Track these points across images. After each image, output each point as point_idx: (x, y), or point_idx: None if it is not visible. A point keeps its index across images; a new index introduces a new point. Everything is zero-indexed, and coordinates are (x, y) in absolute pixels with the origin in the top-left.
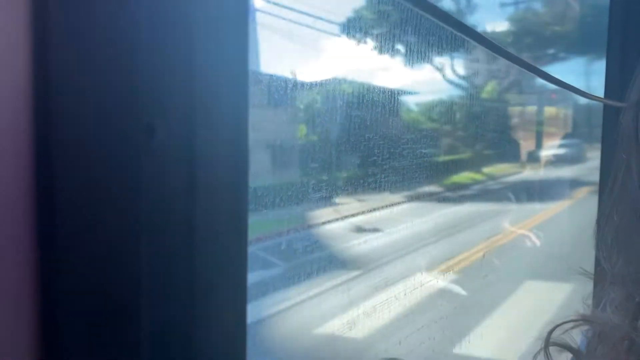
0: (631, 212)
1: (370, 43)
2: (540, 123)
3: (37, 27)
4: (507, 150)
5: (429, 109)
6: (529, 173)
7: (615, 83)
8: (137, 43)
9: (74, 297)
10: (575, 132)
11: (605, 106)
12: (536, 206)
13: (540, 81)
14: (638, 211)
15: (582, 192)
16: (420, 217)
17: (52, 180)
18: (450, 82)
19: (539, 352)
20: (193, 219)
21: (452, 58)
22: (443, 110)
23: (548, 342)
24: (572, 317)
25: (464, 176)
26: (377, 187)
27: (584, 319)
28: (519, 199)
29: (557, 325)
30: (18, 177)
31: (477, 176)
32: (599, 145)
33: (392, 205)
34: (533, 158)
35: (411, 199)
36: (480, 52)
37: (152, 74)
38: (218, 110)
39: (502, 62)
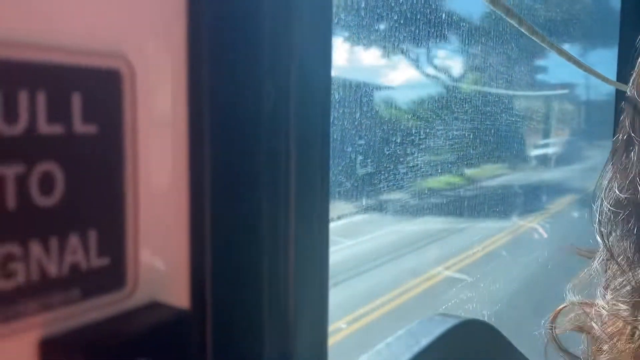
0: (630, 185)
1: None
2: (532, 119)
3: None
4: (494, 149)
5: (402, 103)
6: (511, 176)
7: (628, 65)
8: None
9: (215, 248)
10: (570, 130)
11: (618, 90)
12: (502, 223)
13: (533, 75)
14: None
15: (564, 202)
16: (354, 237)
17: (198, 147)
18: (424, 73)
19: (548, 342)
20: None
21: (424, 47)
22: (417, 105)
23: (553, 327)
24: (572, 302)
25: (439, 181)
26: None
27: (584, 304)
28: (486, 211)
29: (560, 310)
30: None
31: (456, 180)
32: (597, 143)
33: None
34: (522, 157)
35: (363, 210)
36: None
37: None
38: (308, 79)
39: (489, 52)
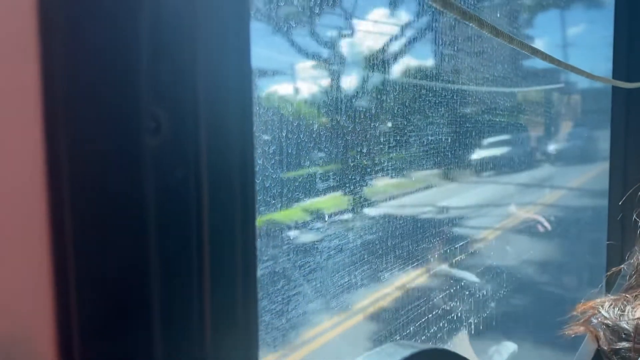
0: None
1: None
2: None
3: (42, 22)
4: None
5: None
6: (414, 197)
7: (623, 63)
8: (140, 39)
9: (85, 294)
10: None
11: (614, 88)
12: None
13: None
14: None
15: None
16: None
17: (60, 178)
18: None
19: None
20: (201, 215)
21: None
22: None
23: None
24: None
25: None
26: None
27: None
28: None
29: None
30: (25, 174)
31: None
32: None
33: None
34: (448, 164)
35: None
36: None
37: (157, 69)
38: (223, 106)
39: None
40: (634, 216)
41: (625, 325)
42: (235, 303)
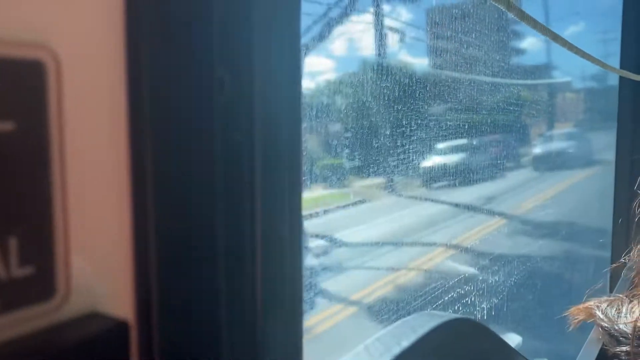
0: None
1: None
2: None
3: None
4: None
5: None
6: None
7: (631, 55)
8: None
9: (160, 235)
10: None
11: (622, 78)
12: None
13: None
14: None
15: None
16: None
17: (143, 127)
18: None
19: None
20: (254, 162)
21: None
22: None
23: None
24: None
25: None
26: None
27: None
28: None
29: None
30: (110, 125)
31: None
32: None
33: None
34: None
35: None
36: None
37: (224, 41)
38: (274, 66)
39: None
40: (636, 206)
41: (623, 328)
42: (283, 254)
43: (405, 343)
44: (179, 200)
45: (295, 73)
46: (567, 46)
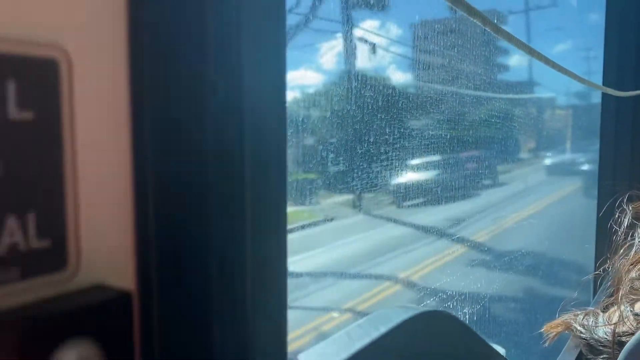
0: None
1: None
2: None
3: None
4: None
5: None
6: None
7: (613, 72)
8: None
9: (160, 230)
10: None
11: (604, 95)
12: None
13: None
14: None
15: None
16: None
17: (142, 131)
18: None
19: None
20: (243, 160)
21: None
22: None
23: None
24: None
25: None
26: None
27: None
28: None
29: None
30: (114, 125)
31: None
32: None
33: None
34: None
35: None
36: None
37: (218, 52)
38: (262, 72)
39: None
40: (611, 222)
41: (602, 335)
42: (269, 245)
43: (382, 330)
44: (177, 186)
45: (280, 78)
46: (544, 60)
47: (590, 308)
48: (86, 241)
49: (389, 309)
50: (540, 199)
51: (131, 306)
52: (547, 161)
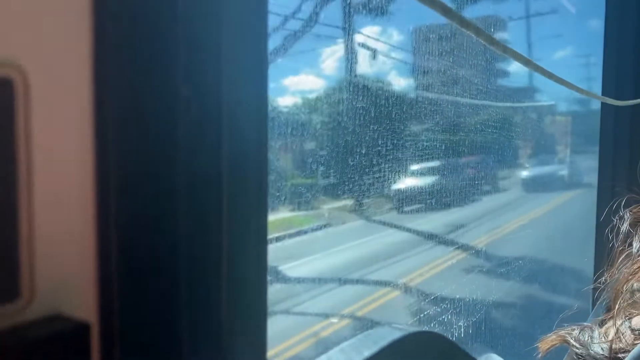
0: None
1: None
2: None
3: (96, 29)
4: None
5: None
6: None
7: (612, 81)
8: (175, 28)
9: (123, 244)
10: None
11: (603, 104)
12: None
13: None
14: None
15: None
16: None
17: (106, 145)
18: None
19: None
20: (220, 178)
21: None
22: None
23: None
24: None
25: None
26: None
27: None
28: None
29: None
30: (77, 140)
31: None
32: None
33: None
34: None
35: None
36: None
37: (189, 53)
38: (241, 87)
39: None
40: (607, 230)
41: (598, 350)
42: (247, 256)
43: (367, 353)
44: (142, 211)
45: (261, 93)
46: (540, 71)
47: (587, 323)
48: (42, 268)
49: (379, 328)
50: (540, 206)
51: (90, 338)
52: (546, 168)
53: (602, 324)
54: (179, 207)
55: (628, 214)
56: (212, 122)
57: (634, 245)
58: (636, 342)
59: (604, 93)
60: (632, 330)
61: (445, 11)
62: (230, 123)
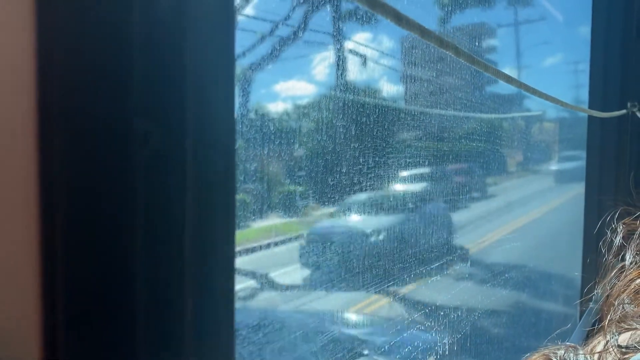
0: None
1: None
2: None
3: (39, 26)
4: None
5: None
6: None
7: (598, 94)
8: (130, 47)
9: (72, 296)
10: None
11: (590, 117)
12: None
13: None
14: None
15: None
16: None
17: (51, 183)
18: None
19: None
20: (186, 221)
21: None
22: None
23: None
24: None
25: None
26: None
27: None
28: None
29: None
30: (19, 180)
31: None
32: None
33: None
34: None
35: None
36: None
37: (146, 77)
38: (207, 115)
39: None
40: (600, 244)
41: None
42: (215, 301)
43: None
44: (90, 254)
45: (229, 124)
46: (524, 88)
47: (571, 343)
48: None
49: None
50: (527, 213)
51: None
52: (537, 173)
53: (587, 337)
54: (135, 252)
55: (621, 226)
56: (175, 159)
57: (627, 258)
58: (623, 358)
59: (590, 101)
60: (619, 347)
61: (423, 33)
62: (196, 161)
